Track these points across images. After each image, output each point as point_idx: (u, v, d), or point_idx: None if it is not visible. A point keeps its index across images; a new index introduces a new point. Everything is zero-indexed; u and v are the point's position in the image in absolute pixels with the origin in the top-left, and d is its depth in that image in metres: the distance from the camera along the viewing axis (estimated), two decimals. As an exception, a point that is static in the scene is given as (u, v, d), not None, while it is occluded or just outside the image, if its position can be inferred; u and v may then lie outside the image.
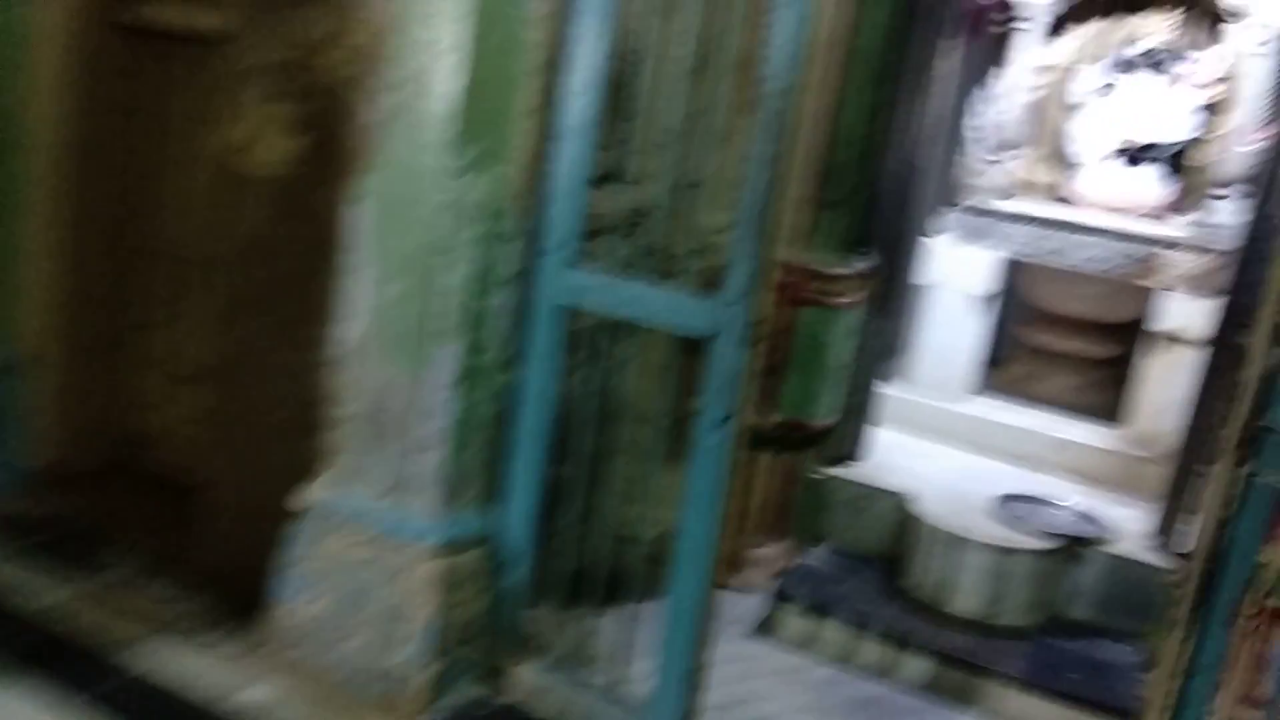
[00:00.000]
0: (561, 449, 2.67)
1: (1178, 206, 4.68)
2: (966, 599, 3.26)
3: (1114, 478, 4.39)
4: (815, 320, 3.43)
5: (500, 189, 2.47)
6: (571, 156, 2.50)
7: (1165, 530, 3.31)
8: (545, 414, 2.60)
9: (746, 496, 3.56)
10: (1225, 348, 3.16)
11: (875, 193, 3.48)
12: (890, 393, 4.45)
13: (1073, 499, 3.59)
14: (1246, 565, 1.86)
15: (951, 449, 4.62)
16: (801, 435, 3.58)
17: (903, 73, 3.40)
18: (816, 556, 3.61)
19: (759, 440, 3.51)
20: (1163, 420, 4.35)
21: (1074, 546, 3.26)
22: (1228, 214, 4.24)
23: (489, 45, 2.36)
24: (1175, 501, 3.28)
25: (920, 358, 4.78)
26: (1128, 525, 3.61)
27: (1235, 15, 4.40)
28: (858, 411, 3.68)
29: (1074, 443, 4.50)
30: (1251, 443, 1.85)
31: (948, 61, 3.61)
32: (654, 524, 3.45)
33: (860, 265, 3.50)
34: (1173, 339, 4.30)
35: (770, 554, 3.58)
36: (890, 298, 3.65)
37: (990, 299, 4.67)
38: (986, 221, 4.61)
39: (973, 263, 4.64)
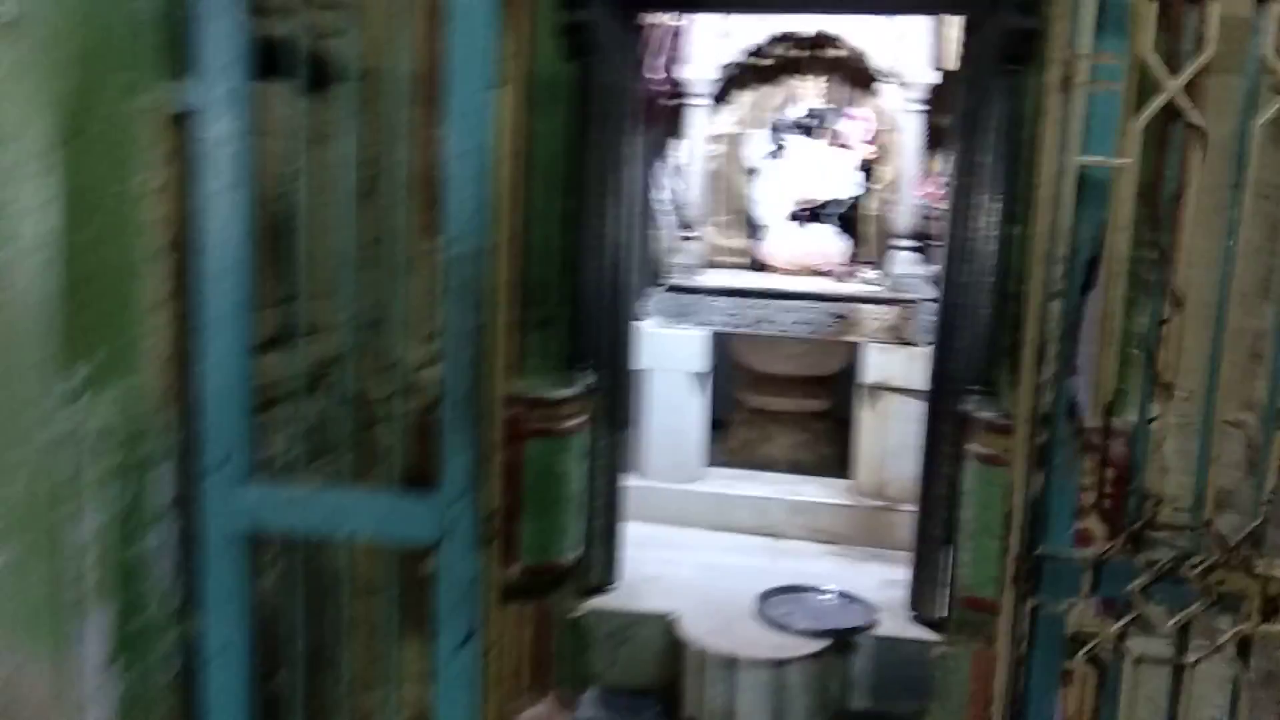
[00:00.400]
0: (271, 657, 2.15)
1: (860, 261, 4.86)
2: None
3: (854, 532, 4.45)
4: (544, 452, 3.12)
5: (132, 407, 1.94)
6: (223, 345, 2.01)
7: (920, 596, 3.31)
8: (238, 667, 2.08)
9: (500, 660, 3.17)
10: (941, 397, 3.21)
11: (582, 301, 3.24)
12: (629, 484, 4.23)
13: (831, 585, 3.53)
14: (1047, 707, 1.75)
15: (697, 532, 4.50)
16: (550, 576, 3.25)
17: (588, 173, 3.19)
18: (588, 706, 3.28)
19: (504, 595, 3.13)
20: (888, 467, 4.47)
21: (844, 639, 3.17)
22: (908, 265, 4.44)
23: (89, 234, 1.83)
24: (924, 565, 3.28)
25: (649, 444, 4.63)
26: (885, 593, 3.59)
27: (886, 75, 4.65)
28: (604, 534, 3.41)
29: (809, 503, 4.51)
30: (1031, 574, 1.75)
31: (631, 149, 3.46)
32: (403, 706, 3.01)
33: (582, 381, 3.24)
34: (881, 388, 4.43)
35: (538, 715, 3.20)
36: (618, 403, 3.42)
37: (705, 374, 4.60)
38: (690, 299, 4.55)
39: (683, 341, 4.55)
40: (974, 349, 3.03)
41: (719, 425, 4.99)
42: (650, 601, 3.43)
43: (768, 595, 3.41)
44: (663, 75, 4.65)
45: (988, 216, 3.00)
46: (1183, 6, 1.56)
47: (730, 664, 3.04)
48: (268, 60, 2.07)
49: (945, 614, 3.20)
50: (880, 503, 4.46)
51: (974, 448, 2.96)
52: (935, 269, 4.46)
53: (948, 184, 3.18)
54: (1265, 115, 1.52)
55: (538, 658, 3.28)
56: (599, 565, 3.41)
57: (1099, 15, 1.56)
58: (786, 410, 5.00)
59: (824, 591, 3.50)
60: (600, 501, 3.38)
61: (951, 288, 3.12)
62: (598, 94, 3.18)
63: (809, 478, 4.80)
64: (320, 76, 2.24)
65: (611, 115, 3.29)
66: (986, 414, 2.94)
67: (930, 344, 4.37)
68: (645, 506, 4.52)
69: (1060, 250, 1.62)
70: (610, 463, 3.40)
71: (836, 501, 4.51)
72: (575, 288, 3.23)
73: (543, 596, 3.26)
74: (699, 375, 4.59)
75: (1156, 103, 1.56)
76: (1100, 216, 1.62)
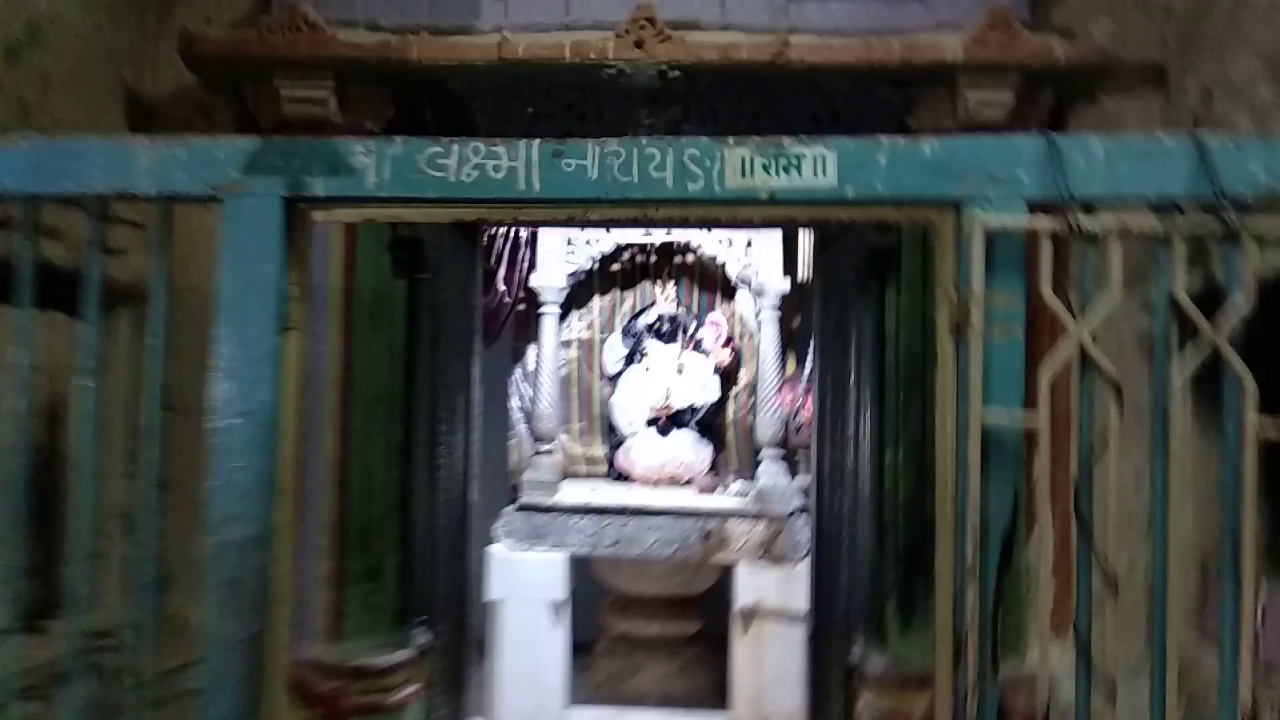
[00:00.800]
0: None
1: (724, 472, 4.61)
2: None
3: (735, 779, 3.98)
4: (367, 736, 2.59)
5: None
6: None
7: None
8: None
9: None
10: (824, 640, 2.86)
11: (413, 544, 2.81)
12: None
13: None
14: None
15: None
16: None
17: (418, 398, 2.83)
18: None
19: None
20: (768, 699, 4.06)
21: None
22: (775, 476, 4.20)
23: None
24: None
25: (502, 682, 4.09)
26: None
27: (741, 282, 4.56)
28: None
29: (685, 747, 4.03)
30: None
31: (471, 366, 3.13)
32: None
33: (414, 641, 2.76)
34: (755, 612, 4.08)
35: None
36: (460, 661, 2.93)
37: (563, 601, 4.16)
38: (545, 519, 4.15)
39: (539, 567, 4.11)
40: (855, 584, 2.74)
41: (581, 652, 4.50)
42: None
43: None
44: (513, 284, 4.43)
45: (857, 440, 2.79)
46: (1075, 243, 1.36)
47: None
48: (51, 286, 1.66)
49: None
50: (762, 742, 4.02)
51: (870, 703, 2.61)
52: (803, 480, 4.24)
53: (813, 400, 2.97)
54: (1188, 368, 1.31)
55: None
56: None
57: (988, 251, 1.35)
58: (655, 636, 4.56)
59: None
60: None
61: (824, 517, 2.85)
62: (432, 311, 2.86)
63: (684, 712, 4.32)
64: (109, 299, 1.84)
65: (451, 332, 2.98)
66: (877, 665, 2.62)
67: (802, 560, 4.10)
68: (498, 763, 3.95)
69: (973, 522, 1.34)
70: (452, 732, 2.88)
71: (715, 744, 4.04)
72: (404, 529, 2.80)
73: None
74: (557, 603, 4.14)
75: (1064, 350, 1.35)
76: (1014, 479, 1.36)
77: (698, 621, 4.63)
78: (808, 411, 4.17)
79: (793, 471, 4.24)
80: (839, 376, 2.86)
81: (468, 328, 3.13)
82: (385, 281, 2.68)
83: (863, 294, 2.77)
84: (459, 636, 2.91)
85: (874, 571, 2.71)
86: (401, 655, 2.68)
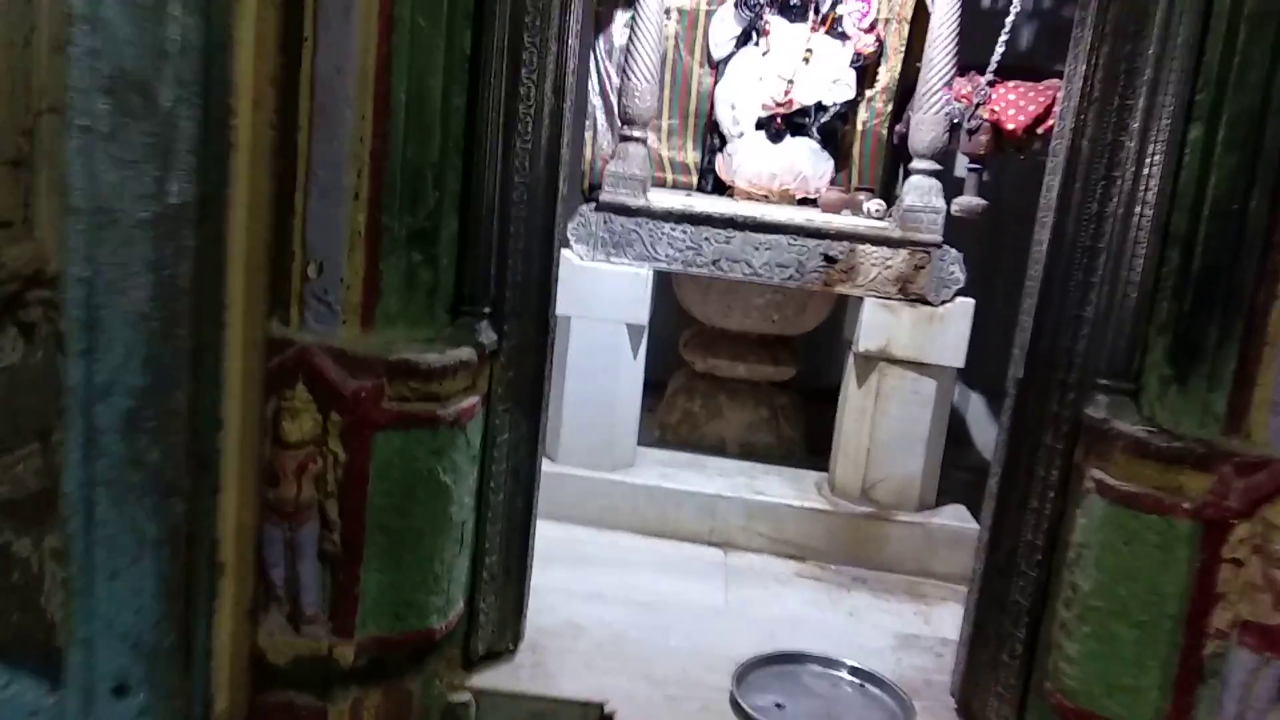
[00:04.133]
0: None
1: (858, 189, 3.71)
2: None
3: (831, 546, 3.36)
4: (409, 453, 1.88)
5: None
6: None
7: (975, 688, 2.22)
8: None
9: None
10: (1036, 389, 2.08)
11: (480, 203, 1.99)
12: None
13: (839, 658, 2.41)
14: None
15: (625, 537, 3.34)
16: (409, 651, 2.04)
17: (497, 9, 1.92)
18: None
19: (331, 682, 1.91)
20: (879, 463, 3.39)
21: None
22: (925, 195, 3.30)
23: None
24: (985, 641, 2.19)
25: (564, 417, 3.43)
26: (906, 661, 2.50)
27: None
28: (504, 577, 2.20)
29: (772, 505, 3.39)
30: None
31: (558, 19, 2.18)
32: None
33: (477, 337, 2.00)
34: (879, 359, 3.32)
35: None
36: (535, 373, 2.18)
37: (643, 327, 3.41)
38: (630, 225, 3.32)
39: (618, 281, 3.33)
40: (1106, 320, 1.92)
41: (655, 389, 3.82)
42: (568, 678, 2.25)
43: (746, 672, 2.27)
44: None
45: (1133, 117, 1.87)
46: None
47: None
48: None
49: None
50: (866, 509, 3.38)
51: (1099, 476, 1.86)
52: (968, 200, 3.34)
53: (1067, 72, 2.02)
54: None
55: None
56: (493, 623, 2.21)
57: None
58: (743, 378, 3.85)
59: (827, 665, 2.38)
60: (500, 530, 2.16)
61: (1066, 222, 1.98)
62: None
63: (769, 468, 3.68)
64: None
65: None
66: (1126, 425, 1.84)
67: (949, 301, 3.29)
68: (556, 501, 3.33)
69: None
70: (519, 468, 2.18)
71: (808, 505, 3.40)
72: (469, 183, 1.97)
73: (398, 679, 2.05)
74: (635, 328, 3.39)
75: None
76: None
77: (794, 367, 3.90)
78: (994, 108, 3.21)
79: (948, 192, 3.33)
80: (1116, 32, 1.90)
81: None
82: None
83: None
84: (538, 341, 2.15)
85: (1139, 304, 1.88)
86: (458, 354, 1.93)
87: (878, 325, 3.30)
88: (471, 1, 1.91)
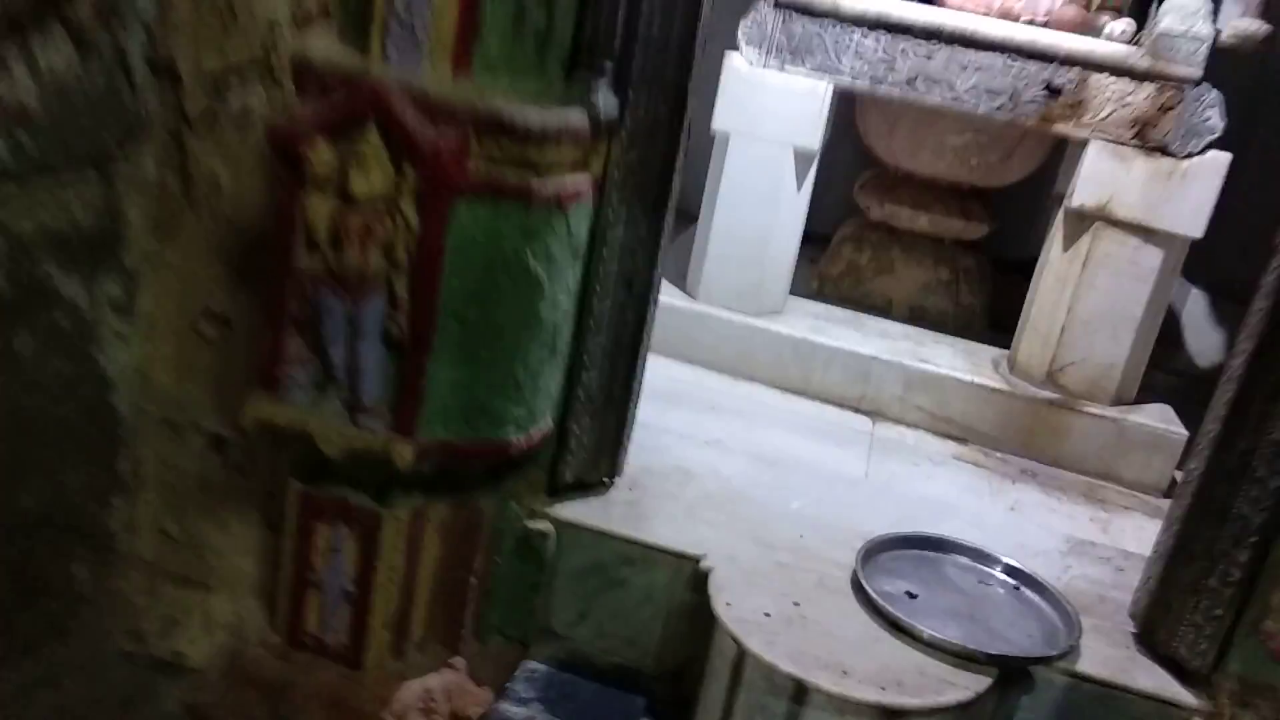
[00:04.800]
0: None
1: (1103, 6, 3.03)
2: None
3: (1003, 431, 2.89)
4: (493, 230, 1.55)
5: None
6: None
7: (1164, 616, 1.77)
8: None
9: (365, 591, 1.74)
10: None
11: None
12: (668, 306, 2.72)
13: (988, 548, 1.99)
14: None
15: (761, 390, 2.98)
16: (483, 464, 1.76)
17: None
18: (524, 686, 1.87)
19: (391, 485, 1.67)
20: (1074, 343, 2.85)
21: (1013, 672, 1.67)
22: (1186, 19, 2.62)
23: None
24: (1183, 564, 1.72)
25: (709, 249, 3.04)
26: (1076, 571, 2.06)
27: None
28: (604, 395, 1.87)
29: (936, 376, 2.93)
30: None
31: None
32: (210, 624, 1.78)
33: (593, 100, 1.62)
34: (1095, 217, 2.74)
35: (432, 689, 1.79)
36: (660, 158, 1.79)
37: (813, 154, 2.94)
38: (812, 27, 2.81)
39: (790, 95, 2.85)
40: None
41: (818, 234, 3.36)
42: (665, 524, 1.93)
43: (876, 551, 1.90)
44: None
45: None
46: None
47: (798, 694, 1.58)
48: None
49: (1214, 662, 1.68)
50: (1051, 394, 2.87)
51: None
52: (1248, 26, 2.65)
53: None
54: None
55: (448, 593, 1.84)
56: (586, 450, 1.90)
57: None
58: (923, 231, 3.34)
59: (977, 558, 1.96)
60: (603, 346, 1.83)
61: None
62: None
63: (939, 337, 3.20)
64: None
65: None
66: None
67: (1201, 154, 2.65)
68: (690, 343, 3.00)
69: None
70: (633, 276, 1.82)
71: (979, 381, 2.92)
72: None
73: (468, 494, 1.79)
74: (804, 154, 2.93)
75: None
76: None
77: (987, 225, 3.34)
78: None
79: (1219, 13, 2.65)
80: None
81: None
82: None
83: None
84: (670, 119, 1.75)
85: None
86: (565, 116, 1.56)
87: (1101, 176, 2.70)
88: None
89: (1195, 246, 2.71)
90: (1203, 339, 3.75)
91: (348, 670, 1.78)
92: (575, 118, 1.58)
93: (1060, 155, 3.17)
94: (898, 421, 2.95)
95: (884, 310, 3.34)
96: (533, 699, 1.83)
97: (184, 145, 1.76)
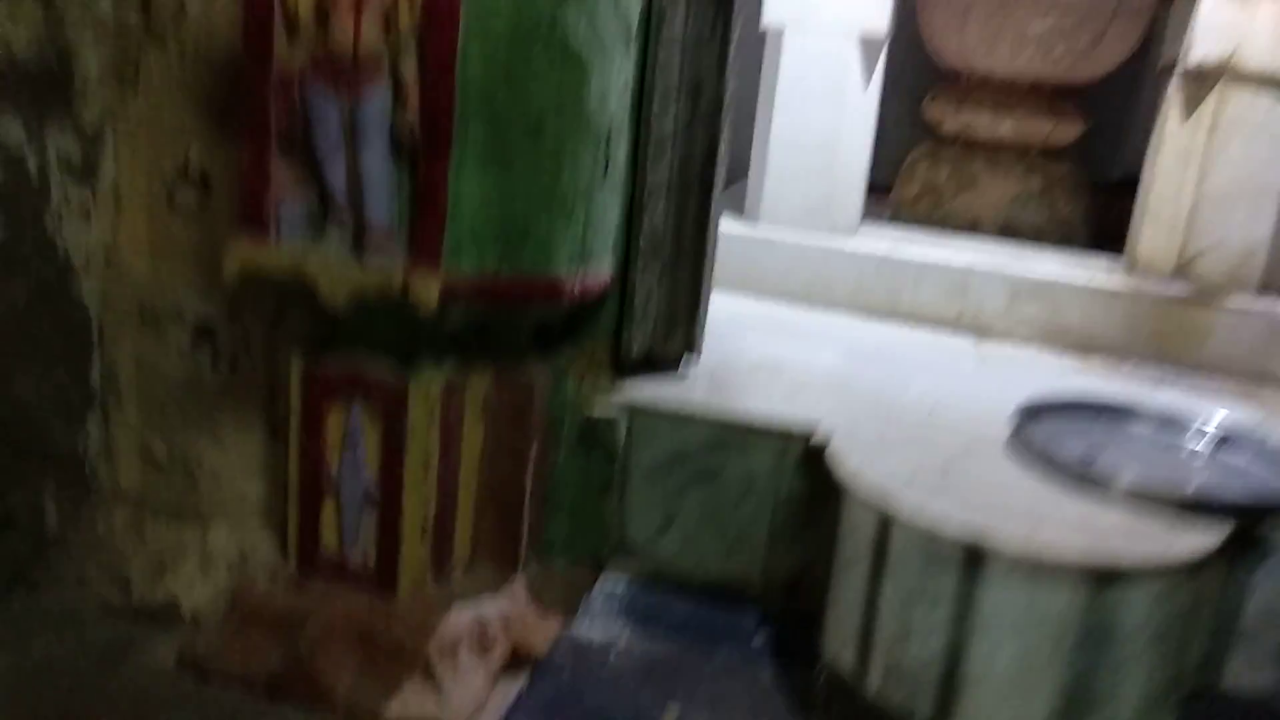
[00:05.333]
0: None
1: None
2: (1004, 699, 1.20)
3: (1131, 337, 2.47)
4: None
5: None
6: None
7: None
8: None
9: (393, 493, 1.37)
10: None
11: None
12: (728, 229, 2.36)
13: (1203, 405, 1.57)
14: None
15: (845, 320, 2.58)
16: (534, 315, 1.40)
17: None
18: (600, 612, 1.48)
19: (417, 348, 1.31)
20: (1207, 226, 2.44)
21: (1245, 527, 1.26)
22: None
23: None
24: None
25: (773, 165, 2.69)
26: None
27: None
28: (678, 248, 1.51)
29: (1046, 283, 2.53)
30: None
31: None
32: (212, 558, 1.40)
33: None
34: (1220, 75, 2.35)
35: (484, 620, 1.40)
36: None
37: (880, 42, 2.59)
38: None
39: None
40: None
41: (890, 152, 2.99)
42: (761, 402, 1.55)
43: (1038, 414, 1.49)
44: None
45: None
46: None
47: (972, 562, 1.17)
48: None
49: None
50: (1184, 290, 2.46)
51: None
52: None
53: None
54: None
55: (497, 497, 1.46)
56: (657, 315, 1.53)
57: None
58: (1009, 139, 2.96)
59: (1164, 423, 1.54)
60: (667, 177, 1.47)
61: None
62: None
63: (1042, 249, 2.80)
64: None
65: None
66: None
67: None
68: (756, 272, 2.64)
69: None
70: (702, 83, 1.46)
71: (1096, 283, 2.51)
72: None
73: (514, 360, 1.42)
74: (871, 44, 2.58)
75: None
76: None
77: (1080, 124, 2.96)
78: None
79: None
80: None
81: None
82: None
83: None
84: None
85: None
86: None
87: (1222, 25, 2.33)
88: None
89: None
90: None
91: (377, 597, 1.41)
92: None
93: (1157, 37, 2.80)
94: (1005, 337, 2.54)
95: (975, 226, 2.95)
96: (616, 620, 1.44)
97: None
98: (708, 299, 1.61)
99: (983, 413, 1.55)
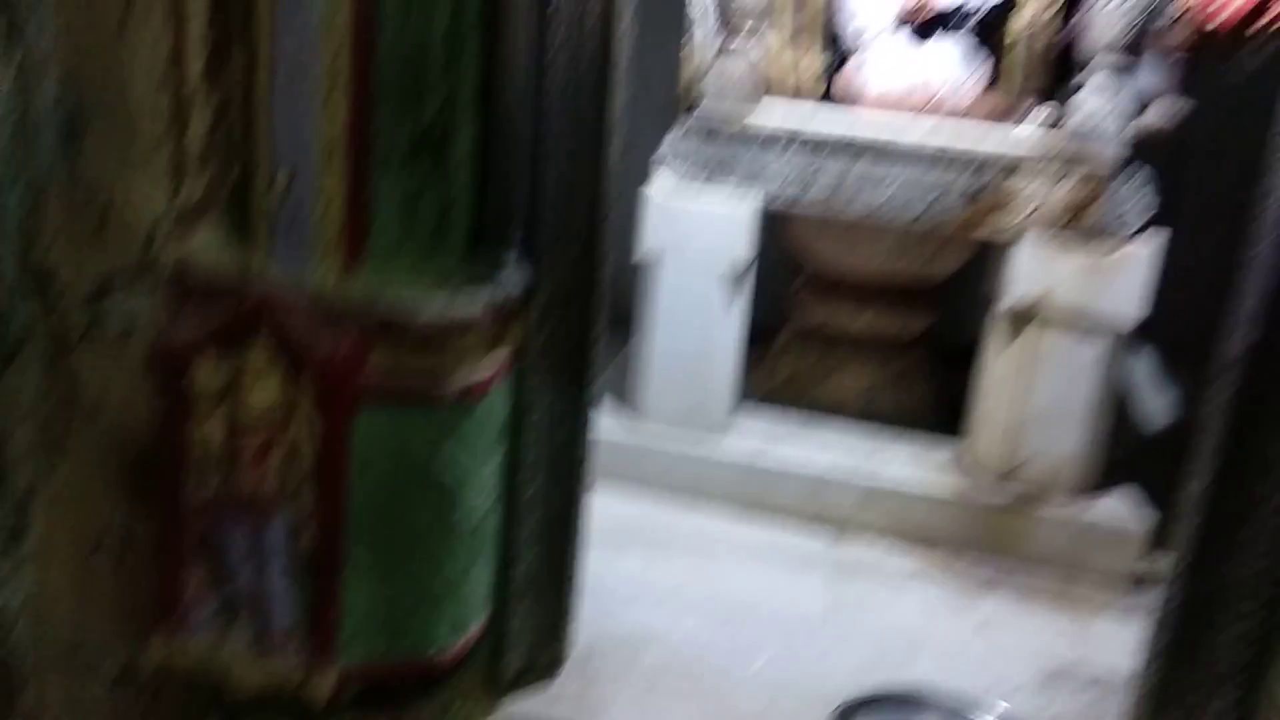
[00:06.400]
0: None
1: (1011, 100, 3.03)
2: None
3: (965, 538, 2.80)
4: (399, 439, 1.44)
5: None
6: None
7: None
8: None
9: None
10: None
11: (503, 108, 1.50)
12: (610, 432, 2.62)
13: (975, 710, 1.87)
14: None
15: (714, 522, 2.85)
16: (413, 680, 1.61)
17: None
18: None
19: (316, 716, 1.51)
20: (1034, 435, 2.78)
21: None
22: (1102, 105, 2.63)
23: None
24: (1175, 689, 1.62)
25: (651, 370, 2.95)
26: (1061, 702, 1.95)
27: None
28: (545, 579, 1.75)
29: (892, 490, 2.85)
30: None
31: None
32: None
33: (500, 280, 1.53)
34: (1035, 314, 2.70)
35: None
36: (578, 322, 1.69)
37: (745, 269, 2.88)
38: (731, 147, 2.77)
39: (718, 214, 2.80)
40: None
41: (759, 342, 3.27)
42: (621, 708, 1.80)
43: (849, 716, 1.77)
44: None
45: None
46: None
47: None
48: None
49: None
50: (1010, 495, 2.79)
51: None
52: (1164, 108, 2.66)
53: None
54: None
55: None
56: (527, 641, 1.77)
57: None
58: (864, 332, 3.27)
59: (951, 714, 1.84)
60: (534, 530, 1.71)
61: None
62: None
63: (894, 432, 3.11)
64: None
65: None
66: None
67: (1133, 240, 2.63)
68: (638, 468, 2.90)
69: None
70: (560, 452, 1.70)
71: (935, 492, 2.83)
72: (489, 78, 1.48)
73: (399, 711, 1.64)
74: (736, 269, 2.86)
75: None
76: None
77: (926, 318, 3.30)
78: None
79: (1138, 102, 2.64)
80: None
81: None
82: None
83: None
84: (583, 287, 1.66)
85: None
86: (465, 309, 1.46)
87: (1033, 271, 2.67)
88: None
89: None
90: (1155, 399, 3.72)
91: None
92: (481, 300, 1.48)
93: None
94: (857, 537, 2.84)
95: (838, 410, 3.25)
96: None
97: (66, 358, 1.63)
98: (573, 619, 1.84)
99: (812, 697, 1.82)
